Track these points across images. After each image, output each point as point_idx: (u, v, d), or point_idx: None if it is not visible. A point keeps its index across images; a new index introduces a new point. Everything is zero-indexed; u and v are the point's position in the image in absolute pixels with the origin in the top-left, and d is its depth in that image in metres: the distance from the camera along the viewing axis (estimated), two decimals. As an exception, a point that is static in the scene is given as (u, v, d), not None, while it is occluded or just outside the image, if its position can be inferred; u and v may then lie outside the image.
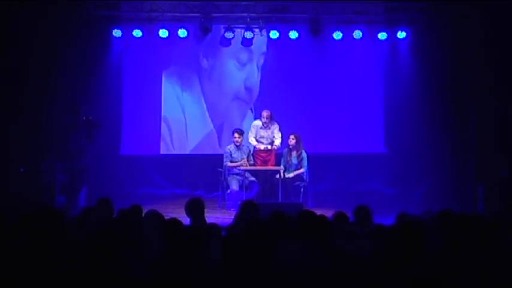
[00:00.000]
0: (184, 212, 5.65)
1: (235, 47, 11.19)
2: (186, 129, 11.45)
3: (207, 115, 11.45)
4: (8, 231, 4.49)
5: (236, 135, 10.04)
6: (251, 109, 11.38)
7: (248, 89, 11.37)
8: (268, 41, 11.18)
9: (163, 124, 11.40)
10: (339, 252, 4.10)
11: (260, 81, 11.42)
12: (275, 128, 10.31)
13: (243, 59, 11.36)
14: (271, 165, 10.14)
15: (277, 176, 9.76)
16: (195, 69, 11.42)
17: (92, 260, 3.68)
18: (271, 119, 10.30)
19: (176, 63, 11.40)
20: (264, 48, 11.33)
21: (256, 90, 11.43)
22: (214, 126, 11.43)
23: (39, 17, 9.47)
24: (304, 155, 9.98)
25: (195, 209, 5.61)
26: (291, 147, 10.00)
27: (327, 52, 11.23)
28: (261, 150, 10.27)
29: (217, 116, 11.43)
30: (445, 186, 10.27)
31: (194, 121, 11.44)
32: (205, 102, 11.44)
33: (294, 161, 9.98)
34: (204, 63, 11.43)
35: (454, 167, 10.24)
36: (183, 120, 11.43)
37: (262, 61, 11.39)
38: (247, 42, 11.07)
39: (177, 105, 11.43)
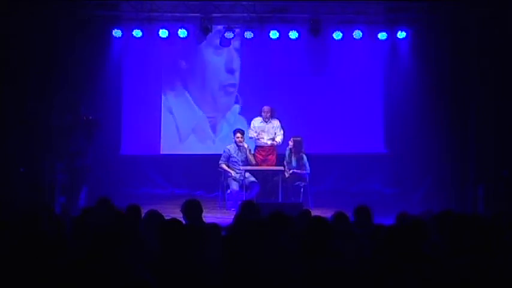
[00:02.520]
0: (181, 214, 5.61)
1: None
2: (176, 128, 11.51)
3: (196, 108, 11.52)
4: (8, 231, 4.49)
5: (238, 135, 10.05)
6: (237, 96, 11.44)
7: (230, 71, 11.44)
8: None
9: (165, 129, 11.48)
10: (339, 253, 4.10)
11: (241, 64, 11.45)
12: (276, 123, 10.33)
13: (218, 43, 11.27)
14: (272, 165, 10.15)
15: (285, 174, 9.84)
16: (177, 73, 11.46)
17: (92, 260, 3.68)
18: (272, 115, 10.33)
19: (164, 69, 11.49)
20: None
21: (237, 73, 11.48)
22: (205, 118, 11.51)
23: (39, 17, 9.45)
24: (304, 158, 10.00)
25: (190, 211, 5.57)
26: (291, 149, 10.05)
27: (327, 52, 11.24)
28: (261, 147, 10.28)
29: (206, 108, 11.50)
30: (445, 186, 10.26)
31: (184, 118, 11.50)
32: (191, 97, 11.50)
33: (294, 163, 10.02)
34: (183, 64, 11.46)
35: (454, 167, 10.22)
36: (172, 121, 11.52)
37: (238, 43, 11.35)
38: (246, 42, 11.07)
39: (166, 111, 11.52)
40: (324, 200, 9.92)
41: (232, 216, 5.77)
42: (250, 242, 3.93)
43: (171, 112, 11.49)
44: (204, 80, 11.51)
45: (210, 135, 11.54)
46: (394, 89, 11.25)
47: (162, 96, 11.47)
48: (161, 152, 11.48)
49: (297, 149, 10.00)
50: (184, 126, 11.53)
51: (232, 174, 9.96)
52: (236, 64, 11.53)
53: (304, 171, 9.98)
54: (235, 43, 11.24)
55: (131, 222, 5.17)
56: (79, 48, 10.15)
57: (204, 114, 11.53)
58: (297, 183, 9.94)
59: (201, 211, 5.67)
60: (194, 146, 11.49)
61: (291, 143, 10.06)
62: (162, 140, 11.47)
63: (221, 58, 11.50)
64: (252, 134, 10.32)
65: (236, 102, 11.51)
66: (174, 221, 4.48)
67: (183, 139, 11.53)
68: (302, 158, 10.00)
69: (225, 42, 11.10)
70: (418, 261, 3.72)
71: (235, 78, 11.55)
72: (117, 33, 10.77)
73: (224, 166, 10.05)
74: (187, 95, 11.51)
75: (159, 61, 11.40)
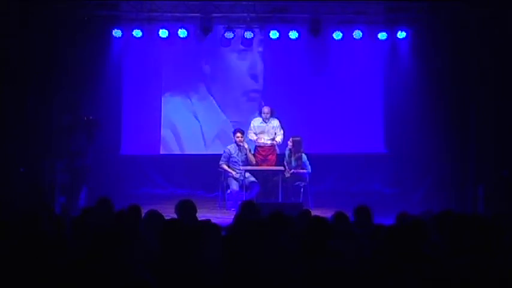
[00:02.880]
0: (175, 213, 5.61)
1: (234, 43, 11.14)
2: (201, 131, 11.46)
3: (221, 112, 11.47)
4: (8, 231, 4.49)
5: (239, 134, 10.05)
6: (261, 102, 11.23)
7: (254, 77, 11.41)
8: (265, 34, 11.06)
9: (166, 129, 11.42)
10: (339, 253, 4.10)
11: (264, 69, 11.41)
12: (276, 123, 10.33)
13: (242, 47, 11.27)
14: (272, 165, 10.15)
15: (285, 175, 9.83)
16: (200, 77, 11.42)
17: (92, 260, 3.68)
18: (272, 115, 10.33)
19: (178, 75, 11.43)
20: (261, 36, 11.23)
21: (261, 77, 11.45)
22: (230, 122, 11.41)
23: (39, 17, 9.46)
24: (304, 157, 10.00)
25: (185, 211, 5.57)
26: (290, 149, 10.05)
27: (327, 52, 11.24)
28: (261, 147, 10.27)
29: (231, 113, 11.42)
30: (445, 186, 10.26)
31: (209, 122, 11.46)
32: (216, 102, 11.45)
33: (293, 163, 10.02)
34: (207, 69, 11.44)
35: (454, 167, 10.23)
36: (196, 123, 11.47)
37: (261, 48, 11.36)
38: (247, 42, 11.08)
39: (186, 112, 11.44)
40: (324, 200, 9.92)
41: (232, 216, 5.77)
42: (250, 242, 3.94)
43: (195, 116, 11.44)
44: (227, 84, 11.43)
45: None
46: (394, 89, 11.24)
47: (162, 97, 11.45)
48: (161, 152, 11.48)
49: (296, 148, 10.00)
50: (208, 130, 11.47)
51: (233, 174, 9.96)
52: (259, 69, 11.47)
53: (305, 171, 9.98)
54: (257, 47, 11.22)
55: (131, 222, 5.17)
56: (79, 48, 10.15)
57: (228, 119, 11.46)
58: (297, 183, 9.94)
59: (195, 211, 5.68)
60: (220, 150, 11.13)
61: (290, 143, 10.06)
62: (185, 143, 11.43)
63: (244, 63, 11.44)
64: (251, 136, 10.31)
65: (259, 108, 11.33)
66: (174, 221, 4.48)
67: (209, 144, 11.45)
68: (301, 158, 10.00)
69: (225, 42, 11.10)
70: (418, 261, 3.72)
71: (260, 84, 11.49)
72: (117, 33, 10.76)
73: (224, 166, 10.04)
74: (212, 99, 11.45)
75: (159, 61, 11.39)
